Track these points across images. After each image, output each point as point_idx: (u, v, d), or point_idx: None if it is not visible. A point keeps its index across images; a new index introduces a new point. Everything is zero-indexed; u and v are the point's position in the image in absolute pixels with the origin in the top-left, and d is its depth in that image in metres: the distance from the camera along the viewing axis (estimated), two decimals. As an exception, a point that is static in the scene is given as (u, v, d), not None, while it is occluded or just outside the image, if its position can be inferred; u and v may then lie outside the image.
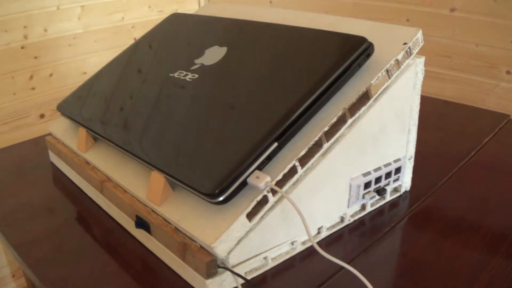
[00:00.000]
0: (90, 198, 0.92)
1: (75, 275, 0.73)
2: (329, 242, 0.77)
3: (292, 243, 0.74)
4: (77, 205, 0.90)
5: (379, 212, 0.84)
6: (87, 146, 0.91)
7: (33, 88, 1.97)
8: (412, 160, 0.86)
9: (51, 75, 2.01)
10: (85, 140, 0.91)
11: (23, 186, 0.99)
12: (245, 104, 0.73)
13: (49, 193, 0.95)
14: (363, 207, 0.83)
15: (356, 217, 0.82)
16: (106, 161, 0.86)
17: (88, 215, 0.87)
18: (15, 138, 2.01)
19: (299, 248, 0.75)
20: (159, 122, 0.79)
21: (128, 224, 0.81)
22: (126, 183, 0.79)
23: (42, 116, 2.03)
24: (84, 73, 2.10)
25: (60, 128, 1.02)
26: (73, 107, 0.98)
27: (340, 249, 0.76)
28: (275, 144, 0.67)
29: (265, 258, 0.71)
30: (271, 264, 0.72)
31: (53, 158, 1.05)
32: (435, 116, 1.21)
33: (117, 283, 0.72)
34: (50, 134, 1.06)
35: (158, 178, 0.72)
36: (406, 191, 0.89)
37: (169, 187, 0.73)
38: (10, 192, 0.97)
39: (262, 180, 0.64)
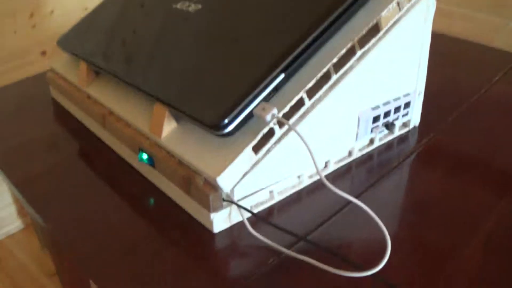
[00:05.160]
0: (92, 133, 0.90)
1: (78, 210, 0.73)
2: (336, 176, 0.76)
3: (298, 177, 0.73)
4: (80, 141, 0.89)
5: (387, 146, 0.82)
6: (89, 80, 0.89)
7: (33, 26, 1.94)
8: (421, 96, 0.84)
9: (52, 12, 1.98)
10: (86, 74, 0.89)
11: (25, 123, 0.97)
12: (251, 35, 0.71)
13: (51, 129, 0.94)
14: (371, 141, 0.82)
15: (364, 151, 0.81)
16: (108, 95, 0.84)
17: (91, 150, 0.86)
18: (17, 76, 1.99)
19: (306, 182, 0.74)
20: (162, 54, 0.77)
21: (131, 157, 0.80)
22: (128, 116, 0.78)
23: (43, 53, 2.01)
24: (86, 9, 2.06)
25: (61, 64, 1.00)
26: (73, 41, 0.95)
27: (347, 183, 0.75)
28: (282, 75, 0.65)
29: (271, 192, 0.70)
30: (277, 198, 0.71)
31: (55, 94, 1.04)
32: (443, 53, 1.18)
33: (120, 217, 0.71)
34: (51, 70, 1.04)
35: (161, 110, 0.71)
36: (415, 127, 0.87)
37: (173, 120, 0.71)
38: (11, 130, 0.95)
39: (268, 112, 0.62)
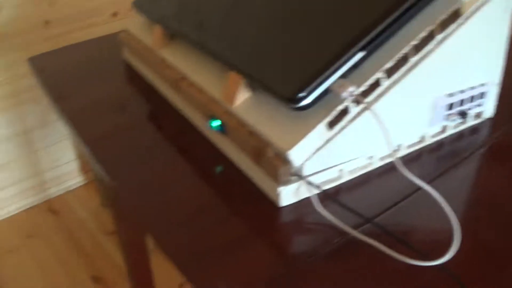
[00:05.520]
0: (163, 97, 0.91)
1: (144, 173, 0.74)
2: (406, 162, 0.75)
3: (369, 158, 0.72)
4: (150, 103, 0.90)
5: (459, 136, 0.80)
6: (163, 43, 0.90)
7: (107, -14, 1.97)
8: (498, 87, 0.82)
9: (126, -28, 2.00)
10: (161, 37, 0.89)
11: (95, 82, 0.99)
12: (333, 10, 0.70)
13: (121, 90, 0.95)
14: (444, 129, 0.80)
15: (436, 138, 0.79)
16: (182, 59, 0.85)
17: (161, 114, 0.87)
18: (88, 35, 2.02)
19: (376, 163, 0.73)
20: (239, 22, 0.76)
21: (202, 124, 0.80)
22: (202, 82, 0.78)
23: (115, 14, 2.03)
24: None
25: (136, 25, 1.01)
26: (149, 3, 0.96)
27: (416, 169, 0.73)
28: (362, 53, 0.64)
29: (340, 170, 0.70)
30: (346, 178, 0.71)
31: (127, 55, 1.05)
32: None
33: (187, 182, 0.71)
34: (124, 31, 1.05)
35: (236, 79, 0.70)
36: (488, 119, 0.84)
37: (247, 89, 0.71)
38: (82, 89, 0.97)
39: (345, 89, 0.62)
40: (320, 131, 0.63)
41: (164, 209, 0.67)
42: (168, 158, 0.76)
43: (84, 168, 2.26)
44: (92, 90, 0.96)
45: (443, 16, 0.67)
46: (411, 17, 0.67)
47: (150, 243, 1.78)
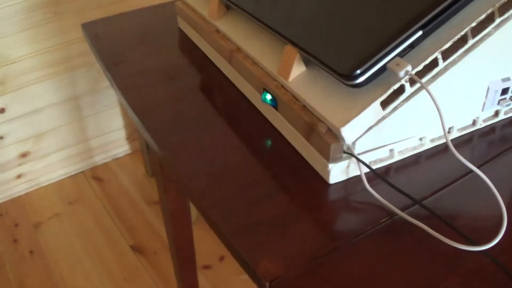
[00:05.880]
0: (216, 68, 0.92)
1: (195, 144, 0.75)
2: (457, 145, 0.74)
3: (420, 139, 0.72)
4: (202, 74, 0.91)
5: (511, 121, 0.80)
6: (219, 14, 0.90)
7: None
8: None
9: None
10: (217, 7, 0.90)
11: (148, 50, 1.00)
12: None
13: (174, 59, 0.96)
14: (496, 113, 0.79)
15: (488, 123, 0.78)
16: (237, 30, 0.85)
17: (213, 85, 0.88)
18: (141, 3, 2.04)
19: (427, 145, 0.73)
20: (297, -4, 0.76)
21: (254, 97, 0.81)
22: (256, 55, 0.79)
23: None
24: None
25: (192, -5, 1.02)
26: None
27: (467, 153, 0.73)
28: (420, 32, 0.64)
29: (391, 150, 0.70)
30: (397, 158, 0.71)
31: (182, 24, 1.06)
32: None
33: (236, 155, 0.72)
34: (180, 0, 1.06)
35: (291, 52, 0.71)
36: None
37: (302, 64, 0.71)
38: (134, 56, 0.98)
39: (402, 68, 0.62)
40: (374, 110, 0.63)
41: (213, 181, 0.69)
42: (219, 130, 0.77)
43: (132, 136, 2.28)
44: (145, 58, 0.97)
45: (503, 0, 0.66)
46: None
47: (193, 214, 1.81)
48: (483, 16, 0.66)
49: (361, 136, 0.65)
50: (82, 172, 2.23)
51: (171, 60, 0.96)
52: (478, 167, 0.69)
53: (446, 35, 0.66)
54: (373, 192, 0.65)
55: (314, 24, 0.71)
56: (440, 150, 0.73)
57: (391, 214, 0.63)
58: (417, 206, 0.64)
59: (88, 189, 2.14)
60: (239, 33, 0.85)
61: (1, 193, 2.09)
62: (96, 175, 2.21)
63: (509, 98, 0.78)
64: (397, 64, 0.62)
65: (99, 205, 2.06)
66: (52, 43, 1.90)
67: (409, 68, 0.62)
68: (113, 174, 2.21)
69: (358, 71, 0.61)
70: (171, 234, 1.31)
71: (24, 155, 2.07)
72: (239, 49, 0.84)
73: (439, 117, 0.69)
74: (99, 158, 2.26)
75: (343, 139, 0.64)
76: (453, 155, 0.63)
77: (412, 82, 0.65)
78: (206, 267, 1.79)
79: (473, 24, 0.66)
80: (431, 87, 0.67)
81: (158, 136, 0.77)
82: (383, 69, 0.63)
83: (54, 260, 1.84)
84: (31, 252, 1.87)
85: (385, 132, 0.67)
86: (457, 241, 0.57)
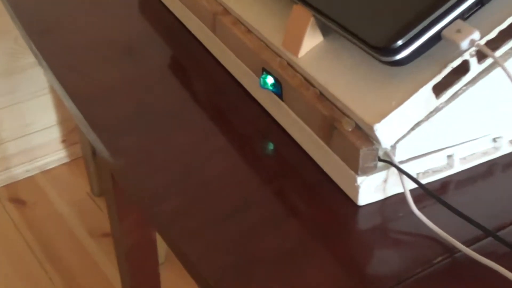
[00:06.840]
0: (194, 38, 0.92)
1: (163, 149, 0.75)
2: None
3: (494, 140, 0.72)
4: (173, 47, 0.91)
5: None
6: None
7: None
8: None
9: None
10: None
11: (95, 12, 1.00)
12: None
13: (134, 27, 0.97)
14: None
15: None
16: (224, -16, 0.86)
17: (188, 63, 0.88)
18: None
19: (505, 148, 0.73)
20: None
21: (249, 80, 0.82)
22: (251, 19, 0.79)
23: None
24: None
25: None
26: None
27: None
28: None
29: (449, 156, 0.70)
30: (458, 167, 0.71)
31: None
32: None
33: (223, 164, 0.73)
34: None
35: (303, 16, 0.71)
36: None
37: (318, 32, 0.72)
38: (74, 20, 0.98)
39: (465, 36, 0.61)
40: (423, 97, 0.64)
41: (189, 202, 0.69)
42: (198, 128, 0.77)
43: (68, 138, 2.27)
44: (89, 23, 0.97)
45: None
46: None
47: (160, 252, 1.81)
48: None
49: (404, 136, 0.65)
50: (-5, 191, 2.23)
51: (129, 27, 0.96)
52: None
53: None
54: (423, 217, 0.65)
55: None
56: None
57: (450, 250, 0.64)
58: (489, 238, 0.65)
59: (3, 216, 2.13)
60: (227, -13, 0.85)
61: None
62: (15, 196, 2.20)
63: None
64: (458, 31, 0.62)
65: (20, 240, 2.05)
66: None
67: (476, 35, 0.62)
68: (41, 193, 2.20)
69: (400, 42, 0.61)
70: (127, 280, 1.32)
71: None
72: (226, 11, 0.84)
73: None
74: (20, 171, 2.24)
75: (378, 141, 0.64)
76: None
77: (480, 56, 0.65)
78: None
79: None
80: (509, 63, 0.67)
81: (109, 136, 0.77)
82: (437, 38, 0.63)
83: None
84: None
85: (440, 130, 0.67)
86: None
